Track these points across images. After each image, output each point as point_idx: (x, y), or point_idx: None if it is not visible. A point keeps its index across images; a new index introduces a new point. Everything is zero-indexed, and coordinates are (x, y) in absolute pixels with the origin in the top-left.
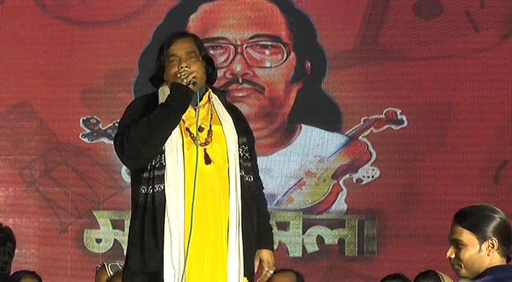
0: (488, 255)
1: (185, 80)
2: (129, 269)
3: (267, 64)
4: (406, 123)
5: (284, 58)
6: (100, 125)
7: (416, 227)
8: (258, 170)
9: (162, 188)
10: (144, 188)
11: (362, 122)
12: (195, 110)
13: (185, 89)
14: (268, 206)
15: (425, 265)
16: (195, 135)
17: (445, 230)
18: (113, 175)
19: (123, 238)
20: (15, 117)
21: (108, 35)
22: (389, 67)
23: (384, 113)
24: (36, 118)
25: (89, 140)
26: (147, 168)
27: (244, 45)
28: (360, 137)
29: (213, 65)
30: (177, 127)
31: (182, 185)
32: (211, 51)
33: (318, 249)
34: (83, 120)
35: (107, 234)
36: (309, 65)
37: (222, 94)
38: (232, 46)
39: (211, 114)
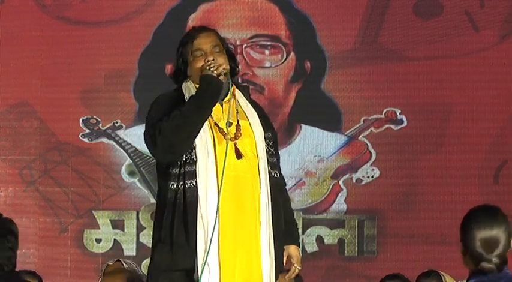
0: (464, 257)
1: (215, 72)
2: (155, 266)
3: (267, 64)
4: (405, 123)
5: (284, 58)
6: (100, 125)
7: (416, 227)
8: (280, 166)
9: (194, 183)
10: (173, 184)
11: (362, 122)
12: (221, 105)
13: (216, 80)
14: None
15: (424, 265)
16: (224, 130)
17: (444, 230)
18: (113, 175)
19: (123, 238)
20: (15, 117)
21: (108, 35)
22: (389, 67)
23: (383, 113)
24: (36, 118)
25: (88, 140)
26: (177, 163)
27: (244, 45)
28: (360, 137)
29: (235, 59)
30: (206, 123)
31: (214, 180)
32: None
33: (318, 249)
34: (83, 120)
35: (107, 234)
36: (309, 65)
37: (245, 89)
38: (231, 46)
39: (237, 109)
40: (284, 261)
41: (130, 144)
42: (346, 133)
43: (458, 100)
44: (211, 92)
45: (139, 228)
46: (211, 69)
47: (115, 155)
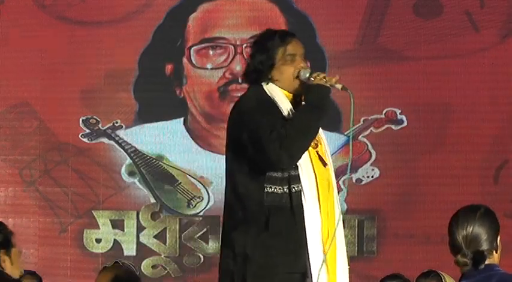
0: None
1: (328, 83)
2: (259, 268)
3: None
4: (405, 123)
5: None
6: (100, 125)
7: (416, 227)
8: None
9: (300, 187)
10: (276, 188)
11: (362, 122)
12: None
13: (329, 93)
14: None
15: (424, 265)
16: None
17: (444, 230)
18: (113, 175)
19: (123, 238)
20: (15, 117)
21: (108, 35)
22: (389, 67)
23: (383, 113)
24: (36, 118)
25: (88, 140)
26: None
27: (244, 45)
28: (360, 137)
29: None
30: None
31: (315, 184)
32: (211, 51)
33: None
34: (83, 120)
35: (107, 234)
36: (309, 65)
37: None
38: (231, 46)
39: None
40: None
41: (130, 144)
42: (346, 133)
43: (458, 100)
44: (328, 103)
45: (139, 228)
46: (324, 80)
47: (115, 155)
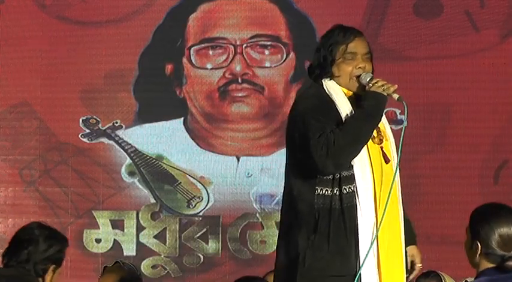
0: (476, 255)
1: (386, 92)
2: (309, 271)
3: (267, 64)
4: (405, 123)
5: (284, 58)
6: (100, 125)
7: (416, 227)
8: None
9: (353, 188)
10: (327, 190)
11: None
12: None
13: (386, 102)
14: (268, 206)
15: (425, 265)
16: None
17: (445, 230)
18: (113, 175)
19: (123, 238)
20: (15, 117)
21: (108, 35)
22: (389, 67)
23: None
24: (36, 118)
25: (88, 140)
26: None
27: (244, 45)
28: None
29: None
30: None
31: (371, 185)
32: (211, 51)
33: None
34: (83, 120)
35: (107, 234)
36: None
37: None
38: (232, 46)
39: None
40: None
41: (130, 144)
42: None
43: (458, 100)
44: (382, 112)
45: (139, 228)
46: (383, 87)
47: (115, 155)
